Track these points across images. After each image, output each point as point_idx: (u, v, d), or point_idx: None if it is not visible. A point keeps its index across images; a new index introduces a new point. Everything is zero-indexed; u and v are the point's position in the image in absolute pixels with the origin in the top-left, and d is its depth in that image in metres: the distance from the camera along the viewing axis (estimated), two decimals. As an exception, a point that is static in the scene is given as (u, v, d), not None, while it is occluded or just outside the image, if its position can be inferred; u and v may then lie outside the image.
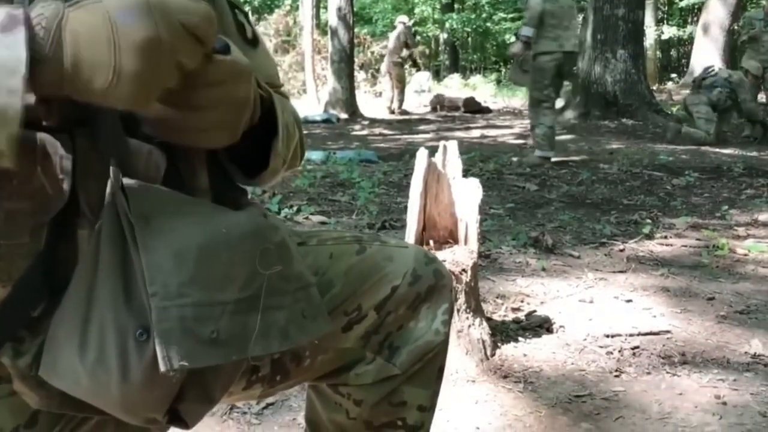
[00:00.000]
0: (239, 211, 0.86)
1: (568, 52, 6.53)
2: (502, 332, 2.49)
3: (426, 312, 1.08)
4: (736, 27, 14.36)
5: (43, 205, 0.75)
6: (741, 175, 6.35)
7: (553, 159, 6.79)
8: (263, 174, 0.95)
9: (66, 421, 0.82)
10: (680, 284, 3.17)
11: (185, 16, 0.68)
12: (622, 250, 3.74)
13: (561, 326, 2.61)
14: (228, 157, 0.94)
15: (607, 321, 2.69)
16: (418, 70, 16.72)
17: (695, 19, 20.10)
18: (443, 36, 26.52)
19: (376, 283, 1.05)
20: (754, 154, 7.84)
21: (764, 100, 11.32)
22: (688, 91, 9.29)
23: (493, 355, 2.31)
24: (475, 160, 6.82)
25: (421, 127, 11.28)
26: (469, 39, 26.22)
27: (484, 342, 2.28)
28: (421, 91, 15.99)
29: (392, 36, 13.99)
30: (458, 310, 2.23)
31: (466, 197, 2.34)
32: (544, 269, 3.32)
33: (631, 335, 2.55)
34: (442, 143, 2.44)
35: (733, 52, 15.98)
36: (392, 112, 13.51)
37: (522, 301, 2.86)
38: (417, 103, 15.20)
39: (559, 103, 8.93)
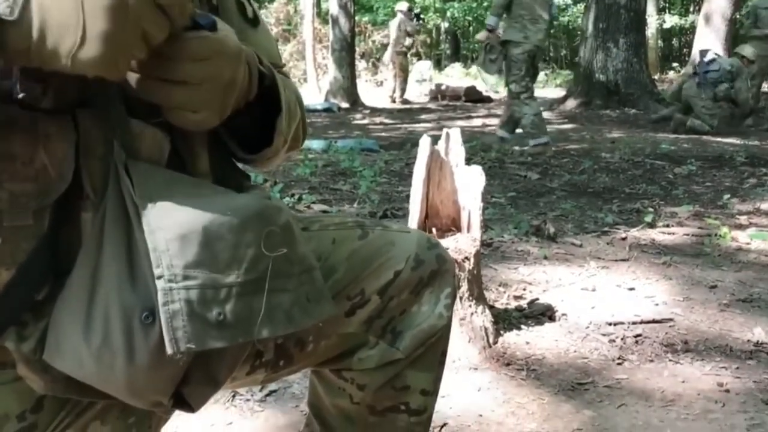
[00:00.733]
0: (244, 193, 0.86)
1: (534, 45, 6.65)
2: (505, 320, 2.49)
3: (429, 296, 1.08)
4: (738, 16, 14.29)
5: (46, 187, 0.75)
6: (743, 164, 6.34)
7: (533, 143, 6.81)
8: (265, 151, 0.95)
9: (71, 406, 0.82)
10: (682, 272, 3.16)
11: None
12: (624, 239, 3.73)
13: (563, 314, 2.61)
14: (229, 135, 0.94)
15: (610, 309, 2.69)
16: (420, 59, 16.67)
17: (697, 8, 19.98)
18: (444, 25, 26.42)
19: (378, 268, 1.05)
20: (756, 143, 7.83)
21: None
22: (686, 80, 9.24)
23: (495, 342, 2.30)
24: (477, 149, 6.81)
25: (422, 117, 11.25)
26: (471, 28, 26.09)
27: (486, 330, 2.28)
28: (423, 80, 15.94)
29: (392, 26, 13.93)
30: (461, 298, 2.22)
31: (469, 185, 2.33)
32: (546, 257, 3.32)
33: (633, 323, 2.54)
34: (444, 131, 2.43)
35: (734, 42, 15.91)
36: (394, 101, 13.48)
37: (524, 289, 2.86)
38: (418, 92, 15.16)
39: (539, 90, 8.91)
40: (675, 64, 21.48)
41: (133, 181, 0.74)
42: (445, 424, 1.86)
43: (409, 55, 14.35)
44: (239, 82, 0.82)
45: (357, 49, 15.36)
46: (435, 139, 2.39)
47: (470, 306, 2.26)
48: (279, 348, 1.02)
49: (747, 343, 2.39)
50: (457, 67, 21.73)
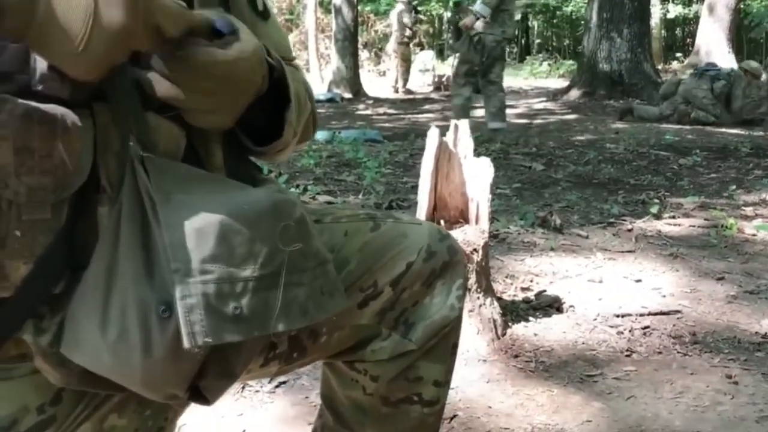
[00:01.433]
0: (258, 187, 0.86)
1: (507, 39, 7.06)
2: (513, 312, 2.49)
3: (441, 288, 1.08)
4: (741, 6, 14.23)
5: (63, 181, 0.74)
6: (748, 155, 6.32)
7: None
8: (275, 143, 0.95)
9: (89, 399, 0.82)
10: (689, 264, 3.15)
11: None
12: (630, 230, 3.72)
13: (571, 306, 2.61)
14: (240, 128, 0.93)
15: (617, 301, 2.68)
16: (422, 49, 16.62)
17: (701, -3, 19.91)
18: (447, 14, 26.33)
19: (391, 260, 1.05)
20: (761, 134, 7.81)
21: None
22: (687, 77, 9.26)
23: (504, 334, 2.30)
24: (481, 139, 6.79)
25: (426, 107, 11.23)
26: (473, 18, 26.01)
27: (495, 321, 2.28)
28: (425, 70, 15.90)
29: (393, 16, 13.87)
30: (469, 290, 2.22)
31: (477, 176, 2.32)
32: (552, 249, 3.31)
33: (641, 315, 2.54)
34: (452, 122, 2.42)
35: (738, 32, 15.86)
36: (396, 92, 13.45)
37: (531, 281, 2.86)
38: (421, 82, 15.12)
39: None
40: (678, 54, 21.42)
41: (150, 176, 0.74)
42: (455, 416, 1.86)
43: (411, 45, 14.30)
44: (257, 86, 0.83)
45: (359, 38, 15.32)
46: (443, 130, 2.38)
47: (478, 298, 2.25)
48: (293, 340, 1.02)
49: (755, 335, 2.39)
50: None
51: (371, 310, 1.05)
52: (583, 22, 14.50)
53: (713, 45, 15.37)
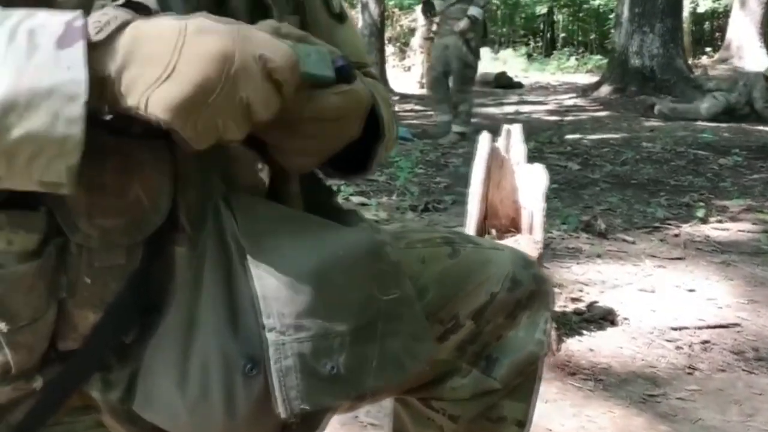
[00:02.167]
0: (347, 223, 0.78)
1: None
2: (565, 324, 2.39)
3: (526, 321, 1.00)
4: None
5: (139, 222, 0.66)
6: (790, 154, 6.15)
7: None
8: (361, 174, 0.88)
9: None
10: (743, 272, 3.03)
11: (266, 51, 0.59)
12: (677, 235, 3.60)
13: (625, 318, 2.50)
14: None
15: (672, 312, 2.57)
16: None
17: (732, -9, 19.57)
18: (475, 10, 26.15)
19: (473, 290, 0.97)
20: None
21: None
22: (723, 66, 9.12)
23: (558, 350, 2.20)
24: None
25: (453, 103, 11.07)
26: (498, 11, 25.81)
27: (550, 336, 2.18)
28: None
29: (419, 11, 13.75)
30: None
31: (530, 184, 2.22)
32: (599, 256, 3.20)
33: (698, 328, 2.43)
34: (505, 126, 2.33)
35: (770, 25, 15.57)
36: (422, 87, 13.33)
37: (580, 291, 2.75)
38: (447, 78, 14.97)
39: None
40: (708, 49, 21.08)
41: (237, 217, 0.66)
42: (514, 440, 1.76)
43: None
44: (357, 132, 0.74)
45: (385, 33, 15.21)
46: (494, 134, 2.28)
47: (532, 311, 2.15)
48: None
49: (822, 351, 2.27)
50: (485, 52, 21.48)
51: (451, 344, 0.97)
52: (611, 16, 14.29)
53: (744, 39, 15.11)
